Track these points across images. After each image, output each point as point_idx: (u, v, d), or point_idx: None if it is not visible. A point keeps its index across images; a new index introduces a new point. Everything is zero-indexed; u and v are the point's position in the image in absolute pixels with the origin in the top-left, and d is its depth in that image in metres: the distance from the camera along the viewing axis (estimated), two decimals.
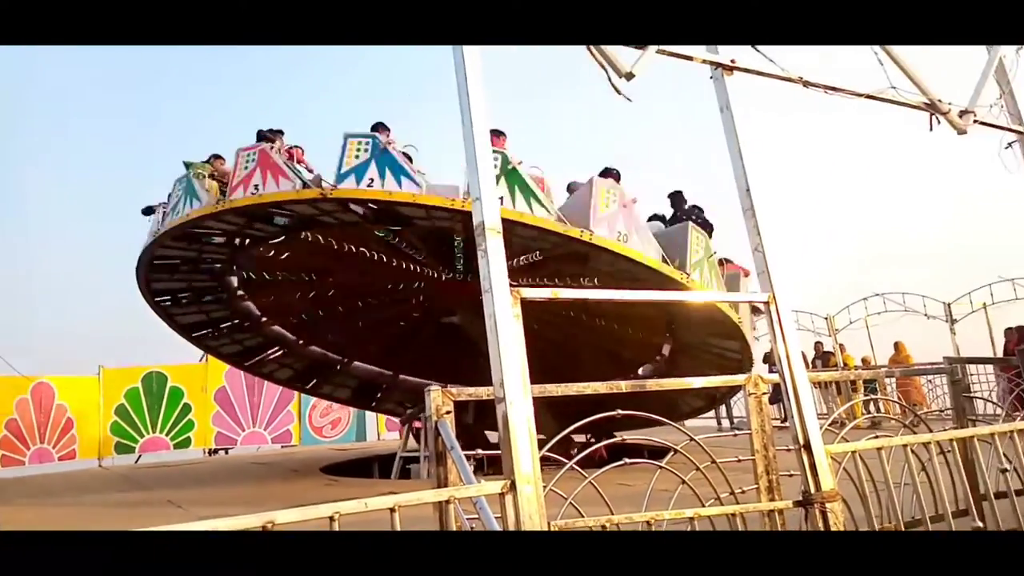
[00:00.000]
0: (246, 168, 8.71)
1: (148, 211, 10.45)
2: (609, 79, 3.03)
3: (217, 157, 10.19)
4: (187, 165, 9.91)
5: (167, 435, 15.15)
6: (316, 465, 12.02)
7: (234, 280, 11.01)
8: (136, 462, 14.83)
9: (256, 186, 8.54)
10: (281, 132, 9.88)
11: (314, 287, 11.42)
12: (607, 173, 8.96)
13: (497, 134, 8.63)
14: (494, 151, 8.05)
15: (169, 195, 9.70)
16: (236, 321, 11.76)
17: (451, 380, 12.78)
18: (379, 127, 8.81)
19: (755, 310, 10.03)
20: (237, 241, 10.05)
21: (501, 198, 7.80)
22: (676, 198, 10.08)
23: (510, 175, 8.05)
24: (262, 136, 9.52)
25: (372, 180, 8.12)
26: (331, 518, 1.98)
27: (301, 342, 12.37)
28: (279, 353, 12.56)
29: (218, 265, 10.61)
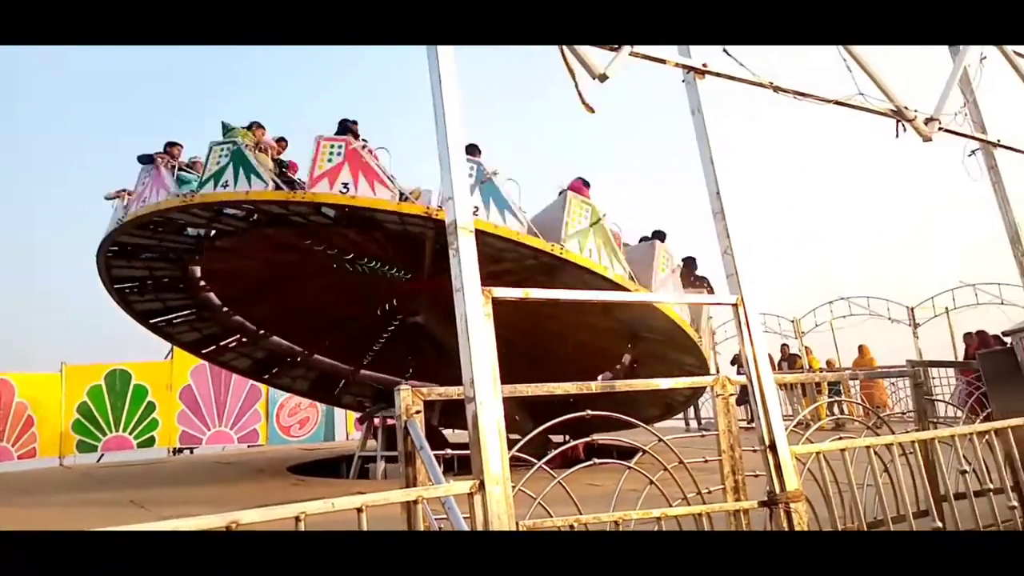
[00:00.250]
0: (330, 160, 8.38)
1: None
2: (576, 86, 3.04)
3: (258, 126, 9.57)
4: (227, 129, 9.26)
5: (130, 434, 14.88)
6: (283, 465, 11.90)
7: (197, 269, 10.85)
8: (98, 461, 14.55)
9: (345, 185, 8.26)
10: (356, 123, 9.22)
11: (276, 280, 11.28)
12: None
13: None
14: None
15: (204, 161, 9.03)
16: (195, 310, 11.62)
17: (413, 377, 12.80)
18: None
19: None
20: (202, 232, 9.91)
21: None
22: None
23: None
24: (346, 128, 8.99)
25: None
26: (297, 518, 1.96)
27: (262, 332, 12.26)
28: (238, 342, 12.41)
29: (181, 255, 10.44)
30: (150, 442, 15.09)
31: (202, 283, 11.10)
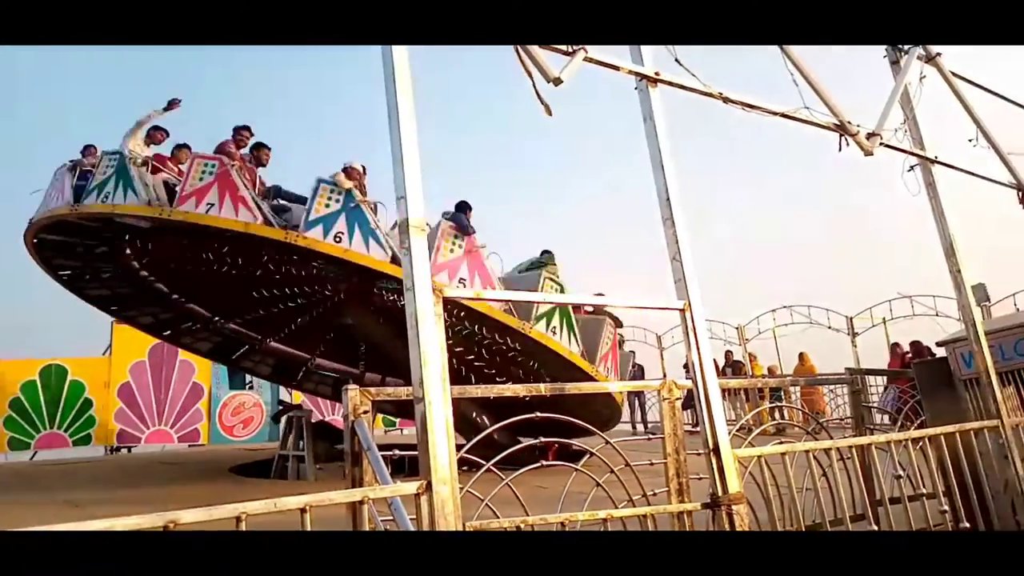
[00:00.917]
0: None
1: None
2: (533, 85, 3.05)
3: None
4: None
5: (66, 431, 14.40)
6: (225, 465, 11.66)
7: (135, 264, 10.51)
8: (31, 459, 14.04)
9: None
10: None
11: (213, 275, 10.96)
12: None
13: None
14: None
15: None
16: (144, 296, 11.32)
17: (367, 367, 12.71)
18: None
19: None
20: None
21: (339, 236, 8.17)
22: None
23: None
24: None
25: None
26: (238, 518, 1.92)
27: (217, 319, 12.01)
28: (195, 328, 12.16)
29: (111, 250, 10.11)
30: (86, 440, 14.63)
31: (143, 274, 10.75)
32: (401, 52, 2.64)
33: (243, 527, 1.91)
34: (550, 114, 3.08)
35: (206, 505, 1.91)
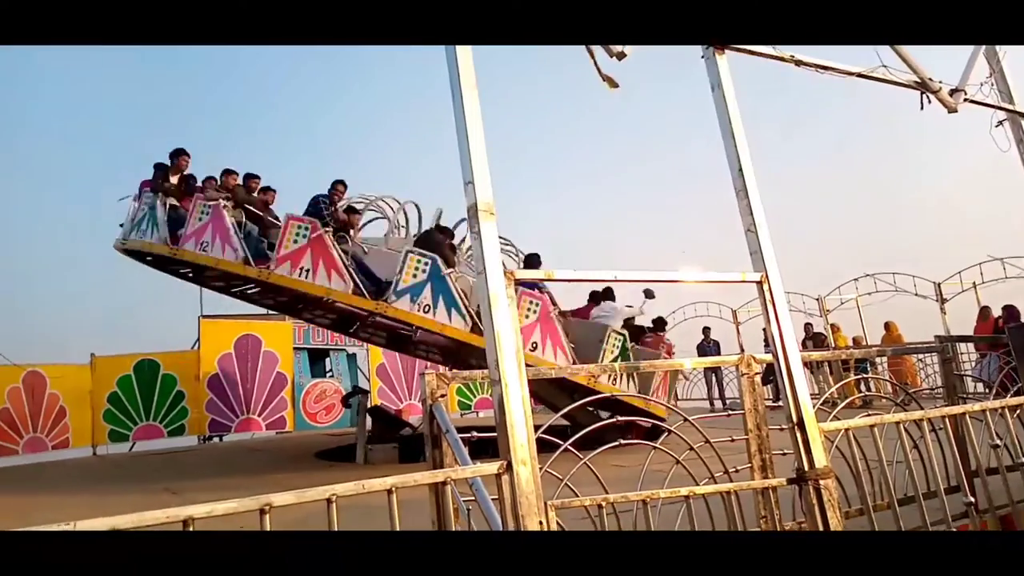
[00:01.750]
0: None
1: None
2: (595, 65, 3.01)
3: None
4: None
5: (161, 422, 15.12)
6: (311, 450, 12.05)
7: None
8: (130, 450, 14.80)
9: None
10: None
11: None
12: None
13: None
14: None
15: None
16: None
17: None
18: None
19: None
20: None
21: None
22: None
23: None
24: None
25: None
26: (328, 500, 1.99)
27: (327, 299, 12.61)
28: (312, 307, 12.63)
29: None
30: (180, 430, 15.31)
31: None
32: (464, 49, 2.64)
33: (334, 509, 1.98)
34: (615, 86, 3.03)
35: (297, 488, 1.98)
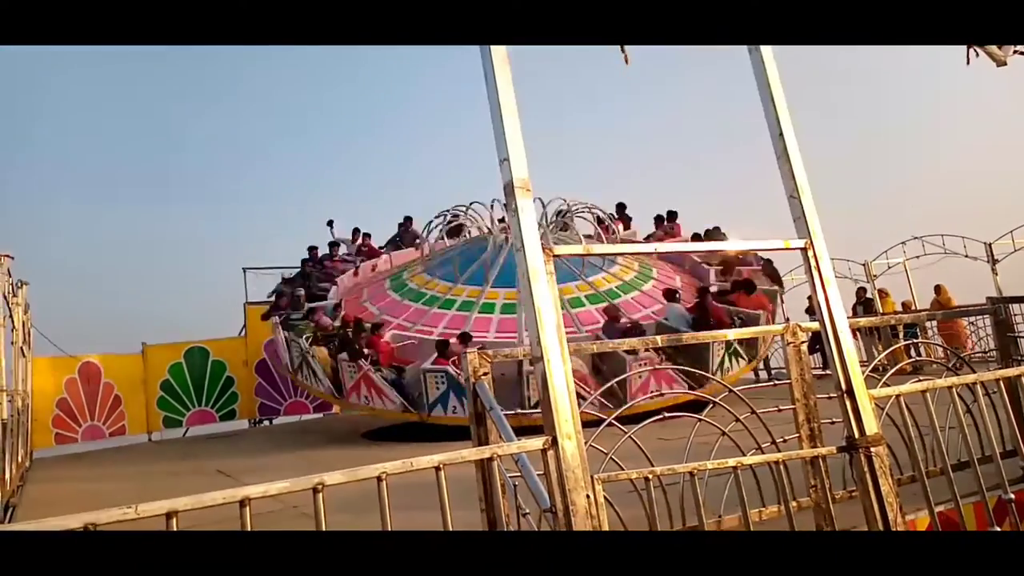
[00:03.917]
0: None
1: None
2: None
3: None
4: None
5: (213, 407, 15.52)
6: (358, 431, 12.26)
7: None
8: (184, 435, 15.23)
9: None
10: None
11: None
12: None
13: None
14: None
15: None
16: None
17: None
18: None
19: None
20: None
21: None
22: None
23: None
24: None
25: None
26: (379, 478, 2.02)
27: None
28: None
29: None
30: (231, 415, 15.71)
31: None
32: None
33: (384, 487, 2.01)
34: (627, 63, 2.99)
35: (347, 468, 2.02)
